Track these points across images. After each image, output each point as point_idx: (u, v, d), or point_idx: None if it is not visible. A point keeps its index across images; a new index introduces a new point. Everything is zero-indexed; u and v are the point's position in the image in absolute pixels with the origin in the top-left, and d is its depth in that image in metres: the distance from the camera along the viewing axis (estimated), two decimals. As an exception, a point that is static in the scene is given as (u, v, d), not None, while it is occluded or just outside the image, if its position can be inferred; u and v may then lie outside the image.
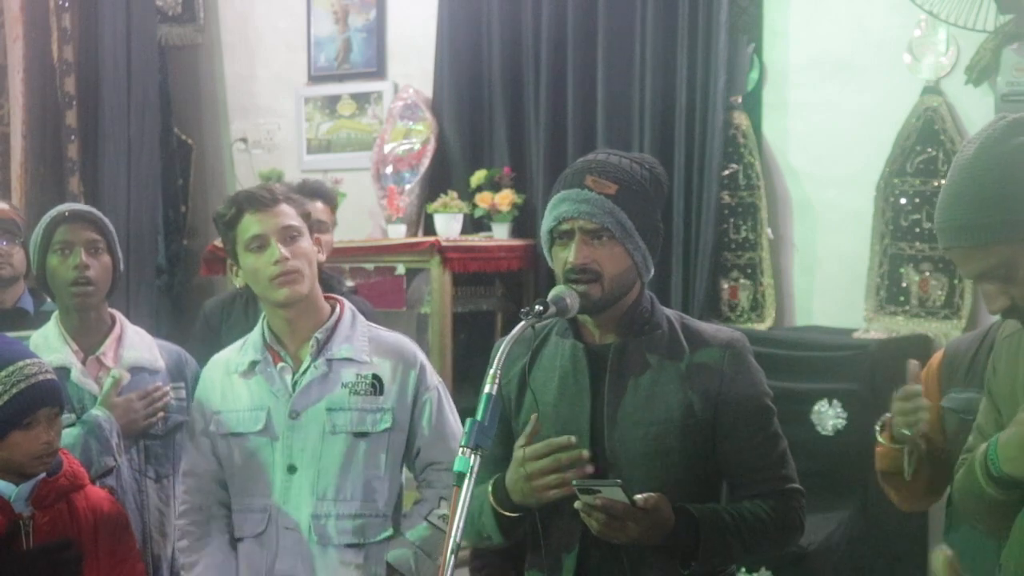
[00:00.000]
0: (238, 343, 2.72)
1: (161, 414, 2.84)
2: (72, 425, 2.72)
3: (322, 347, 2.60)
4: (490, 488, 2.13)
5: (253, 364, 2.62)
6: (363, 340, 2.64)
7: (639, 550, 2.10)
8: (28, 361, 2.42)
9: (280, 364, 2.61)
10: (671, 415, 2.11)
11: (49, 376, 2.45)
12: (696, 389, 2.13)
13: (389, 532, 2.61)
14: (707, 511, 2.08)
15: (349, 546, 2.57)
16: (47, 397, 2.41)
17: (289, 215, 2.58)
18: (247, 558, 2.61)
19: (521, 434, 2.13)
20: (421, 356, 2.69)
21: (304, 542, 2.56)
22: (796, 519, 2.16)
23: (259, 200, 2.57)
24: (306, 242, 2.59)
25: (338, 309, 2.66)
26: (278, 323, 2.63)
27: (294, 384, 2.59)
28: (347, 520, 2.57)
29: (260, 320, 2.67)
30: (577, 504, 1.99)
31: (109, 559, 2.50)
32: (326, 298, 2.69)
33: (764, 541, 2.13)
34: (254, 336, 2.66)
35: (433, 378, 2.69)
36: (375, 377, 2.60)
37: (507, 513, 2.12)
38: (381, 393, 2.59)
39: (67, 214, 2.85)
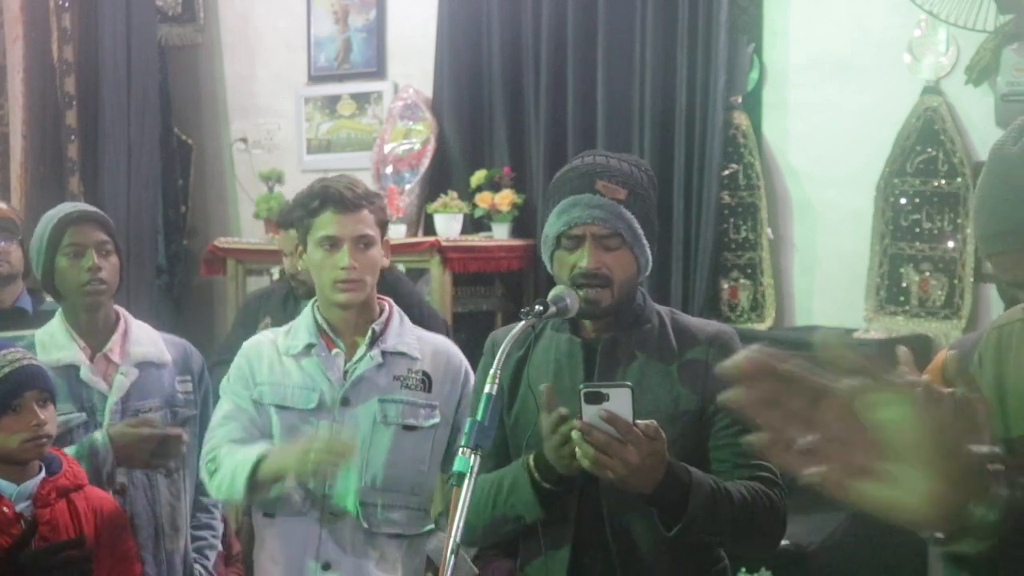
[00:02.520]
0: (283, 328, 2.71)
1: (172, 464, 2.77)
2: (83, 423, 2.73)
3: (377, 338, 2.62)
4: (531, 462, 2.07)
5: (309, 347, 2.62)
6: (413, 338, 2.67)
7: (629, 545, 2.09)
8: (11, 349, 2.46)
9: (335, 350, 2.62)
10: (659, 407, 2.11)
11: (34, 361, 2.47)
12: (684, 382, 2.14)
13: (431, 526, 2.65)
14: (699, 472, 2.04)
15: (392, 536, 2.58)
16: (33, 380, 2.43)
17: (367, 222, 2.58)
18: (286, 536, 2.60)
19: (514, 425, 2.17)
20: (464, 360, 2.71)
21: (351, 528, 2.56)
22: (780, 509, 2.11)
23: (344, 201, 2.55)
24: (376, 251, 2.60)
25: (387, 307, 2.69)
26: (333, 314, 2.64)
27: (346, 372, 2.60)
28: (393, 511, 2.59)
29: (310, 305, 2.68)
30: (576, 424, 1.93)
31: (109, 558, 2.51)
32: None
33: (751, 519, 2.05)
34: (305, 321, 2.66)
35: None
36: (425, 374, 2.63)
37: (548, 486, 2.06)
38: (430, 390, 2.62)
39: (76, 215, 2.83)
